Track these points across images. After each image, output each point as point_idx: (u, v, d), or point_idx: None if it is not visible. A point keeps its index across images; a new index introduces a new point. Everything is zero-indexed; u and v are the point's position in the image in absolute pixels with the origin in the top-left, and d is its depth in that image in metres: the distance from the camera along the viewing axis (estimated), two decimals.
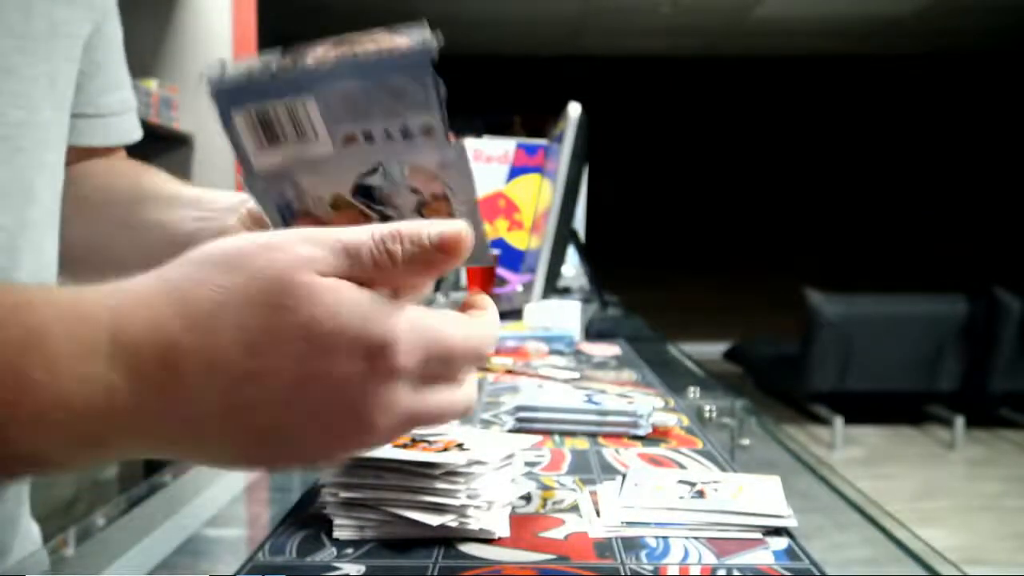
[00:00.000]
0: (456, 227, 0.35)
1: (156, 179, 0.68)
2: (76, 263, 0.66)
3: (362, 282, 0.34)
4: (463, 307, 0.39)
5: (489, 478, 0.48)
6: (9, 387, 0.32)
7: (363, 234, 0.35)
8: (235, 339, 0.32)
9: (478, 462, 0.47)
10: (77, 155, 0.64)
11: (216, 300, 0.33)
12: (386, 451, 0.48)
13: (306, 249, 0.34)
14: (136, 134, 0.70)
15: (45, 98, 0.53)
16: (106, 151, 0.68)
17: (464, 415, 0.38)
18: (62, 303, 0.34)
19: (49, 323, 0.33)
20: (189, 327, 0.32)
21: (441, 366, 0.35)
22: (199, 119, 2.84)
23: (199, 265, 0.34)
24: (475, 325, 0.37)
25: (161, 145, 2.78)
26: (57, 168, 0.56)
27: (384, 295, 0.35)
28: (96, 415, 0.32)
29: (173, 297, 0.33)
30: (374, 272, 0.34)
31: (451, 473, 0.46)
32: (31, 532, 0.59)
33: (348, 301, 0.33)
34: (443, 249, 0.35)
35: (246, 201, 0.56)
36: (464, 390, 0.37)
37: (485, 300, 0.39)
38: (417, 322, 0.34)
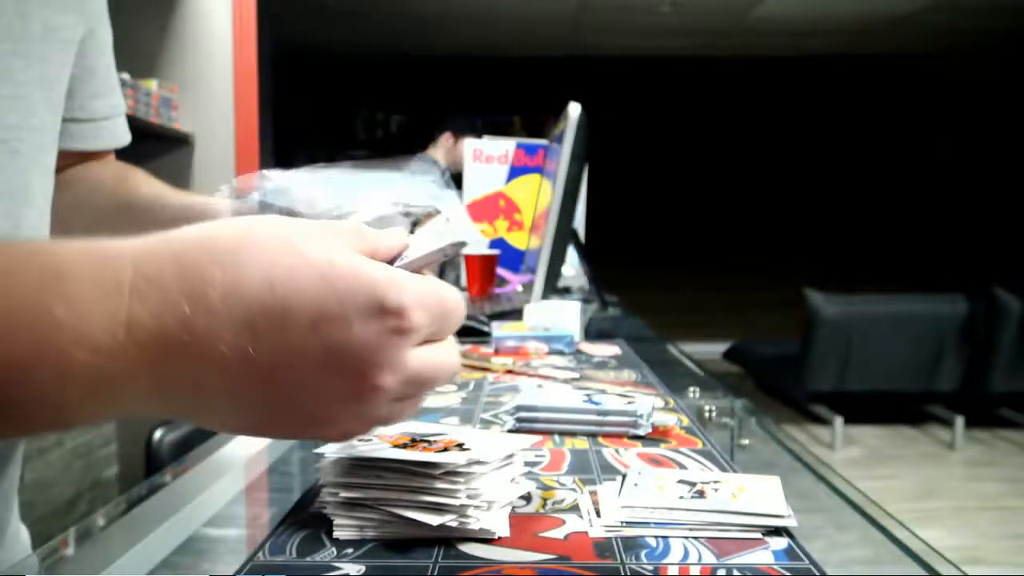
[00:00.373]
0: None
1: (139, 188, 0.68)
2: None
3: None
4: None
5: (489, 478, 0.48)
6: (32, 327, 0.32)
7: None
8: (258, 273, 0.33)
9: (478, 462, 0.47)
10: (68, 160, 0.65)
11: (241, 237, 0.34)
12: (386, 451, 0.48)
13: (308, 227, 0.36)
14: (125, 138, 0.70)
15: (41, 101, 0.53)
16: (96, 155, 0.69)
17: (454, 375, 0.41)
18: (83, 247, 0.35)
19: (70, 263, 0.33)
20: (214, 260, 0.34)
21: (440, 325, 0.37)
22: (199, 119, 2.85)
23: (210, 228, 0.36)
24: (456, 290, 0.39)
25: (161, 145, 2.78)
26: (51, 171, 0.57)
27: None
28: (119, 352, 0.32)
29: (197, 235, 0.35)
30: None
31: (451, 473, 0.46)
32: (20, 535, 0.59)
33: (364, 259, 0.36)
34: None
35: (238, 210, 0.57)
36: (453, 349, 0.39)
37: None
38: (422, 284, 0.36)
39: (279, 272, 0.34)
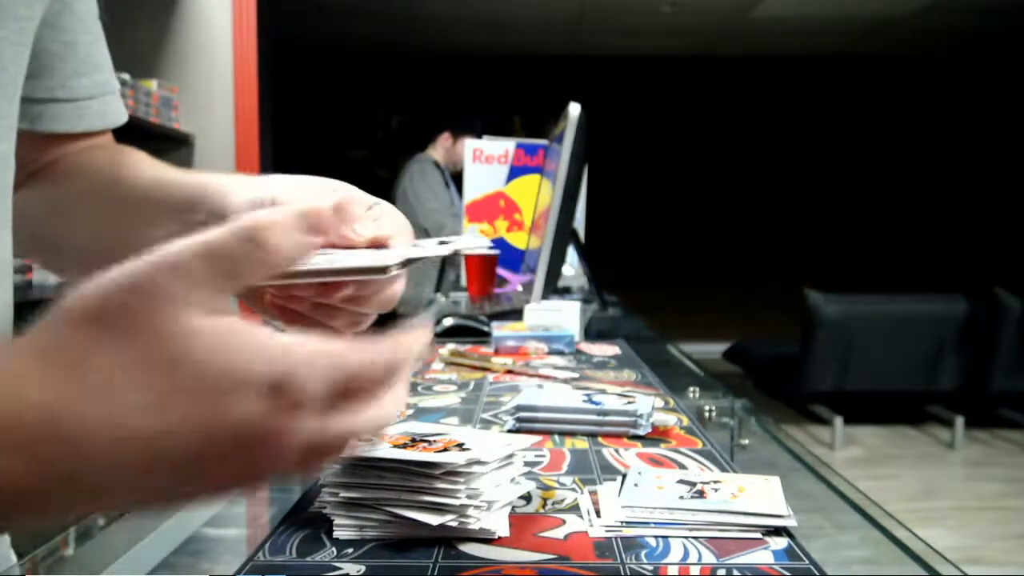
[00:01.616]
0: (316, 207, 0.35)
1: (141, 172, 0.61)
2: (77, 261, 0.64)
3: (246, 283, 0.33)
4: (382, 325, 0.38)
5: (489, 478, 0.48)
6: None
7: (223, 232, 0.33)
8: (133, 402, 0.31)
9: (478, 462, 0.47)
10: (55, 145, 0.61)
11: (104, 366, 0.31)
12: (386, 451, 0.48)
13: (173, 284, 0.31)
14: (118, 118, 0.65)
15: None
16: (85, 137, 0.63)
17: (380, 431, 0.37)
18: None
19: None
20: (81, 397, 0.30)
21: (349, 384, 0.33)
22: (199, 119, 2.85)
23: (74, 328, 0.32)
24: (385, 343, 0.35)
25: (161, 145, 2.78)
26: (6, 159, 0.53)
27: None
28: None
29: (58, 371, 0.31)
30: (249, 264, 0.33)
31: (451, 473, 0.46)
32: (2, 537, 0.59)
33: (236, 338, 0.31)
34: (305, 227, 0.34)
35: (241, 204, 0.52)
36: (382, 407, 0.35)
37: (400, 323, 0.37)
38: (316, 349, 0.32)
39: (154, 398, 0.31)
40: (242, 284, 0.33)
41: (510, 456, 0.51)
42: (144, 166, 0.61)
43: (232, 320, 0.32)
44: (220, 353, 0.31)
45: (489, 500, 0.47)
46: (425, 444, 0.50)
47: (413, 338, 0.36)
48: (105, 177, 0.61)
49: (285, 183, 0.52)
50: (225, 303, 0.32)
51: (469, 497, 0.46)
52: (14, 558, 0.58)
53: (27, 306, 0.56)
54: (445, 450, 0.48)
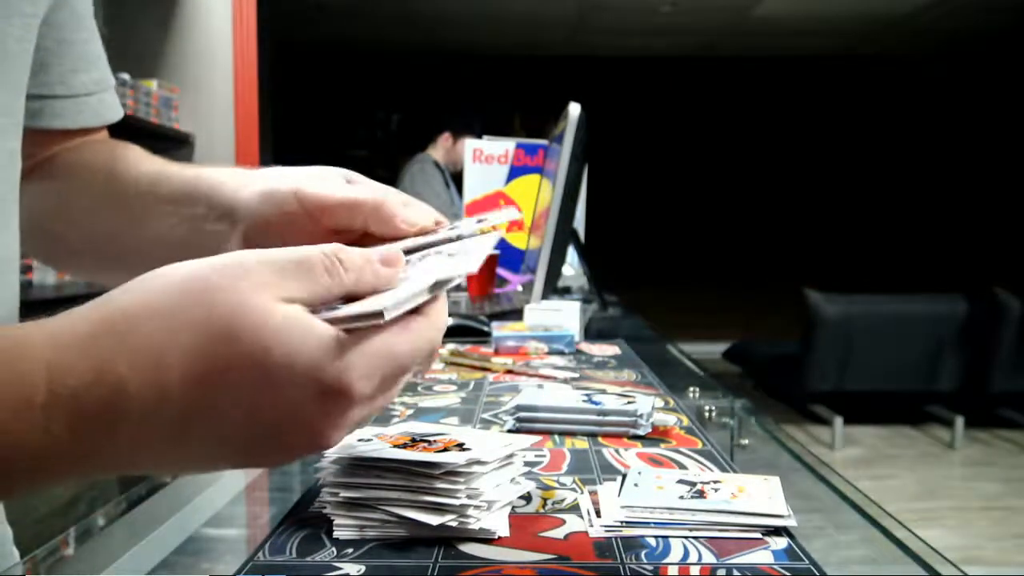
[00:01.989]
0: (394, 249, 0.39)
1: (138, 166, 0.61)
2: (77, 257, 0.64)
3: (320, 297, 0.35)
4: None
5: (489, 478, 0.48)
6: None
7: (312, 248, 0.36)
8: (184, 374, 0.32)
9: (478, 462, 0.47)
10: (52, 140, 0.61)
11: (163, 334, 0.32)
12: (386, 451, 0.48)
13: (259, 273, 0.34)
14: (115, 114, 0.66)
15: None
16: (82, 133, 0.64)
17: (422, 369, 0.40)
18: None
19: None
20: (135, 365, 0.32)
21: (393, 378, 0.36)
22: (199, 119, 2.85)
23: (145, 293, 0.34)
24: (422, 330, 0.37)
25: (161, 145, 2.77)
26: (14, 155, 0.53)
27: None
28: (35, 456, 0.32)
29: (117, 336, 0.32)
30: (329, 282, 0.35)
31: (451, 473, 0.46)
32: (5, 535, 0.59)
33: (302, 333, 0.33)
34: (386, 262, 0.38)
35: (248, 195, 0.52)
36: (405, 378, 0.38)
37: (438, 305, 0.39)
38: (368, 347, 0.34)
39: (209, 373, 0.32)
40: (310, 297, 0.35)
41: (510, 456, 0.51)
42: (141, 160, 0.61)
43: (288, 319, 0.33)
44: (283, 345, 0.32)
45: (489, 500, 0.47)
46: (425, 444, 0.50)
47: (442, 320, 0.39)
48: (103, 172, 0.61)
49: (297, 173, 0.53)
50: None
51: (469, 497, 0.46)
52: (17, 556, 0.58)
53: (25, 306, 0.56)
54: (445, 450, 0.48)
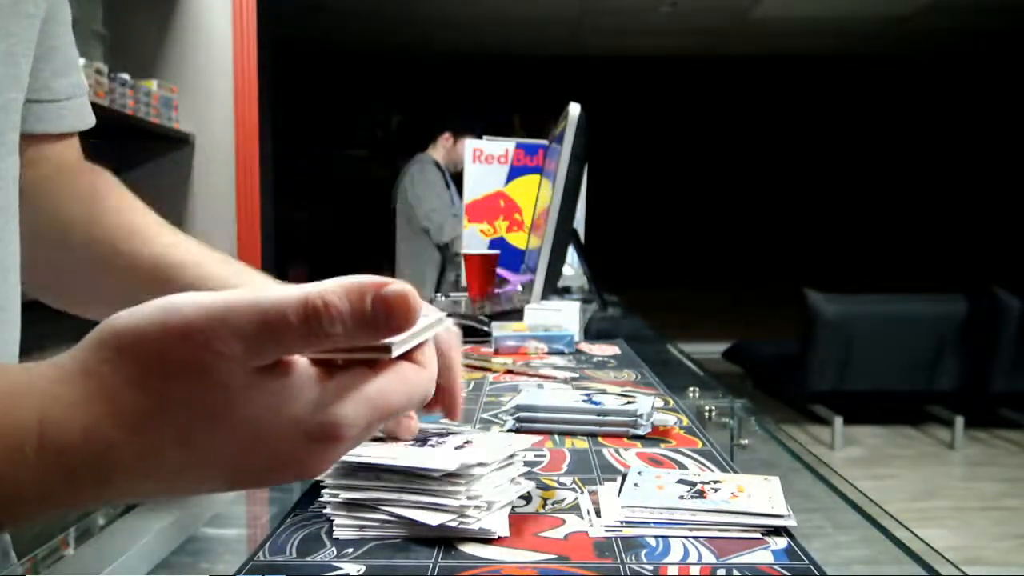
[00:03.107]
0: (402, 288, 0.33)
1: (138, 250, 0.60)
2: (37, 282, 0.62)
3: (299, 351, 0.33)
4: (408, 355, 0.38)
5: (489, 478, 0.48)
6: None
7: (290, 300, 0.32)
8: (175, 439, 0.32)
9: (479, 464, 0.47)
10: (28, 144, 0.60)
11: (149, 400, 0.32)
12: (387, 452, 0.48)
13: (223, 342, 0.32)
14: (89, 120, 0.65)
15: (5, 78, 0.51)
16: (59, 139, 0.63)
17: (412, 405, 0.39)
18: None
19: None
20: (123, 426, 0.32)
21: (381, 421, 0.36)
22: (199, 119, 2.84)
23: (120, 358, 0.33)
24: (418, 373, 0.37)
25: (161, 145, 2.78)
26: (16, 151, 0.54)
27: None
28: (28, 499, 0.33)
29: (105, 397, 0.32)
30: (307, 338, 0.32)
31: (451, 475, 0.46)
32: (4, 539, 0.58)
33: (287, 395, 0.33)
34: (388, 307, 0.33)
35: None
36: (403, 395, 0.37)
37: (427, 351, 0.38)
38: (358, 396, 0.34)
39: (196, 437, 0.33)
40: (288, 353, 0.33)
41: (510, 456, 0.51)
42: (143, 234, 0.61)
43: (273, 375, 0.33)
44: (261, 409, 0.33)
45: (489, 500, 0.47)
46: (428, 443, 0.50)
47: (433, 372, 0.38)
48: (106, 246, 0.61)
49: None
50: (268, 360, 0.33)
51: (469, 498, 0.46)
52: (14, 558, 0.58)
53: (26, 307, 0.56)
54: (446, 450, 0.48)
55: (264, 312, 0.32)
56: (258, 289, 0.33)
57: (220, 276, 0.60)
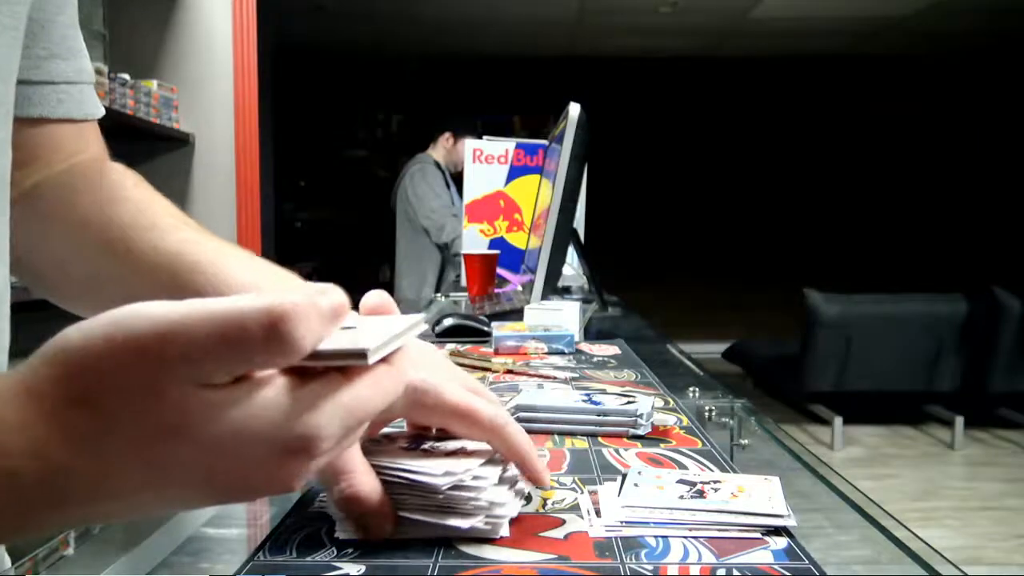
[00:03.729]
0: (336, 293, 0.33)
1: (151, 246, 0.56)
2: (67, 298, 0.60)
3: (264, 367, 0.32)
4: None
5: (493, 491, 0.47)
6: None
7: (250, 309, 0.30)
8: (132, 459, 0.31)
9: (482, 477, 0.47)
10: (27, 128, 0.56)
11: (98, 419, 0.30)
12: (391, 459, 0.47)
13: (180, 362, 0.30)
14: (97, 110, 0.61)
15: None
16: (64, 125, 0.59)
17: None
18: None
19: None
20: (72, 448, 0.30)
21: (358, 425, 0.35)
22: (199, 119, 2.85)
23: (66, 376, 0.30)
24: (390, 375, 0.35)
25: (161, 145, 2.78)
26: (5, 145, 0.51)
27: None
28: None
29: (49, 418, 0.30)
30: (271, 348, 0.31)
31: (457, 487, 0.46)
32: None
33: (256, 409, 0.31)
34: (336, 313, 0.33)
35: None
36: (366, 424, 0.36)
37: (400, 354, 0.37)
38: (333, 404, 0.32)
39: (156, 457, 0.30)
40: (252, 369, 0.31)
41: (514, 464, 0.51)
42: (161, 230, 0.56)
43: (239, 388, 0.31)
44: (228, 425, 0.31)
45: (497, 505, 0.47)
46: (429, 447, 0.50)
47: (404, 372, 0.37)
48: (120, 246, 0.56)
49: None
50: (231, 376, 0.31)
51: (476, 507, 0.46)
52: (8, 561, 0.57)
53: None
54: (451, 455, 0.48)
55: (221, 325, 0.30)
56: (224, 298, 0.31)
57: (238, 282, 0.54)
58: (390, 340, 0.35)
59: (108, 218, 0.57)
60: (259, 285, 0.54)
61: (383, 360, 0.35)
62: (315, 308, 0.31)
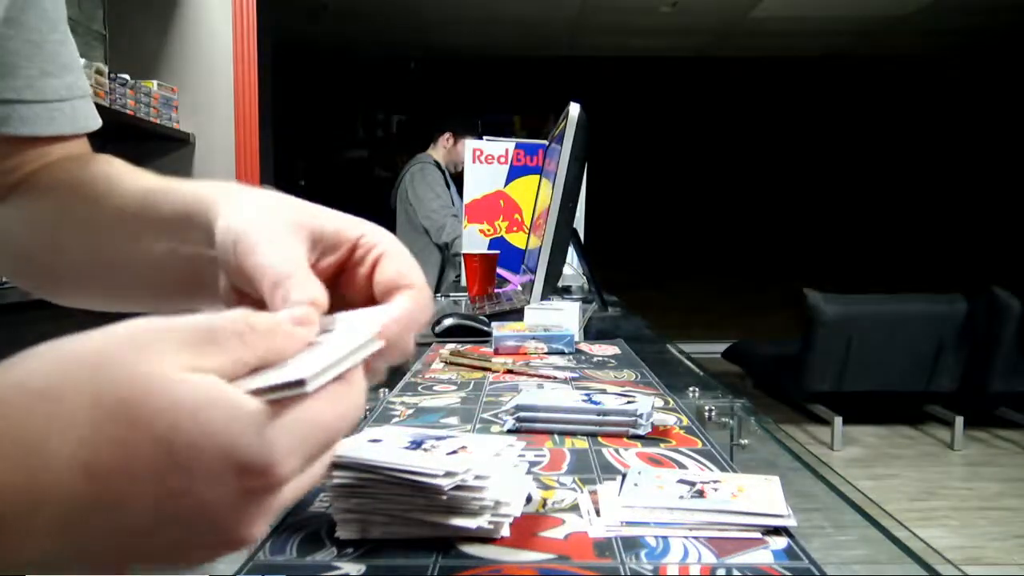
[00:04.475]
0: (306, 308, 0.35)
1: (124, 188, 0.53)
2: (64, 285, 0.59)
3: (231, 371, 0.30)
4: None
5: (495, 490, 0.47)
6: None
7: (217, 316, 0.31)
8: (78, 465, 0.27)
9: (484, 476, 0.47)
10: (22, 148, 0.57)
11: (55, 420, 0.27)
12: (391, 459, 0.47)
13: (159, 344, 0.29)
14: (91, 123, 0.61)
15: None
16: (56, 142, 0.59)
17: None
18: None
19: None
20: (7, 462, 0.27)
21: (320, 452, 0.32)
22: (199, 119, 2.85)
23: (27, 375, 0.28)
24: (350, 395, 0.33)
25: (161, 145, 2.78)
26: None
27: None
28: None
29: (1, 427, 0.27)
30: (241, 352, 0.31)
31: (460, 487, 0.46)
32: None
33: (218, 406, 0.29)
34: (300, 322, 0.34)
35: (238, 226, 0.44)
36: (333, 450, 0.34)
37: (357, 371, 0.35)
38: (294, 420, 0.30)
39: (107, 461, 0.27)
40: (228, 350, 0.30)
41: (515, 464, 0.51)
42: (132, 178, 0.54)
43: (213, 385, 0.29)
44: (195, 421, 0.28)
45: (502, 504, 0.47)
46: (429, 446, 0.49)
47: (364, 392, 0.35)
48: (90, 191, 0.55)
49: (258, 214, 0.43)
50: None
51: (481, 507, 0.46)
52: None
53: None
54: (452, 452, 0.48)
55: (194, 320, 0.29)
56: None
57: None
58: (333, 365, 0.33)
59: (103, 174, 0.56)
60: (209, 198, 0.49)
61: (340, 379, 0.33)
62: (284, 326, 0.32)
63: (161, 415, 0.28)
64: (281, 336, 0.33)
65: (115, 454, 0.28)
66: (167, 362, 0.28)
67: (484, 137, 2.57)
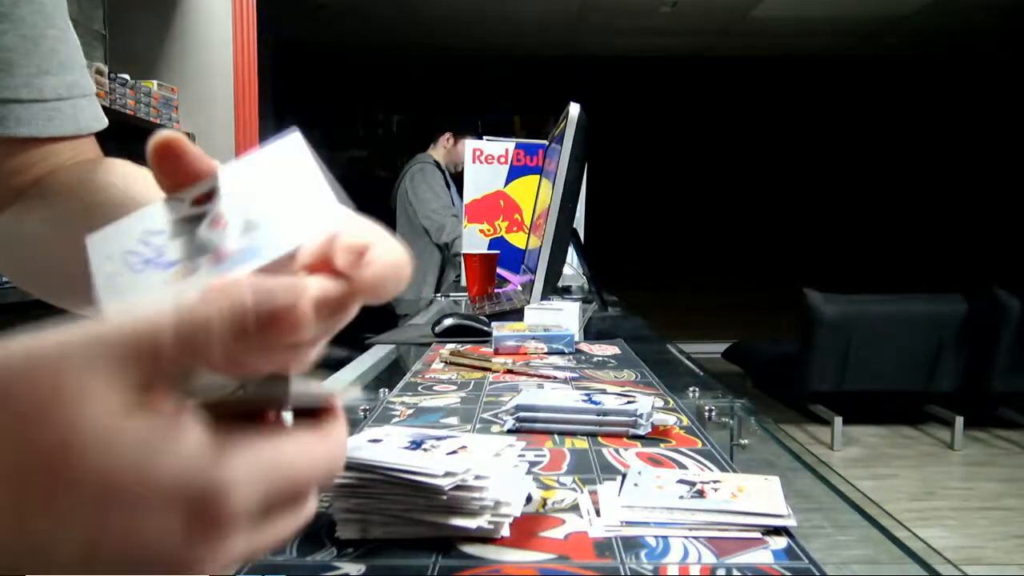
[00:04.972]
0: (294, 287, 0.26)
1: (143, 198, 0.50)
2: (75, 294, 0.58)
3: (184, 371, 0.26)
4: (316, 415, 0.30)
5: (495, 490, 0.47)
6: None
7: (165, 313, 0.25)
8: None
9: (484, 476, 0.47)
10: (23, 148, 0.55)
11: None
12: (391, 460, 0.47)
13: (89, 377, 0.24)
14: (94, 123, 0.58)
15: None
16: (59, 142, 0.57)
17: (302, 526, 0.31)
18: None
19: None
20: None
21: (285, 497, 0.28)
22: (199, 119, 2.85)
23: None
24: (324, 444, 0.29)
25: None
26: None
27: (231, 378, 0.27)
28: None
29: None
30: (191, 357, 0.25)
31: (460, 487, 0.46)
32: None
33: (157, 441, 0.24)
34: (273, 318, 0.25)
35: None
36: (308, 506, 0.30)
37: (337, 412, 0.31)
38: (254, 455, 0.26)
39: (27, 497, 0.24)
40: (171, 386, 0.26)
41: (515, 464, 0.51)
42: (147, 184, 0.52)
43: (150, 418, 0.25)
44: (129, 459, 0.24)
45: (502, 504, 0.47)
46: (429, 446, 0.49)
47: (344, 440, 0.31)
48: (105, 197, 0.52)
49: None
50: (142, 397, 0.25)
51: (481, 506, 0.46)
52: None
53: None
54: (451, 453, 0.48)
55: (132, 325, 0.25)
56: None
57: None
58: (308, 391, 0.30)
59: (121, 176, 0.54)
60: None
61: (314, 426, 0.30)
62: (239, 314, 0.25)
63: (94, 454, 0.24)
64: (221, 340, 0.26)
65: (42, 493, 0.24)
66: (96, 399, 0.24)
67: (484, 137, 2.57)
